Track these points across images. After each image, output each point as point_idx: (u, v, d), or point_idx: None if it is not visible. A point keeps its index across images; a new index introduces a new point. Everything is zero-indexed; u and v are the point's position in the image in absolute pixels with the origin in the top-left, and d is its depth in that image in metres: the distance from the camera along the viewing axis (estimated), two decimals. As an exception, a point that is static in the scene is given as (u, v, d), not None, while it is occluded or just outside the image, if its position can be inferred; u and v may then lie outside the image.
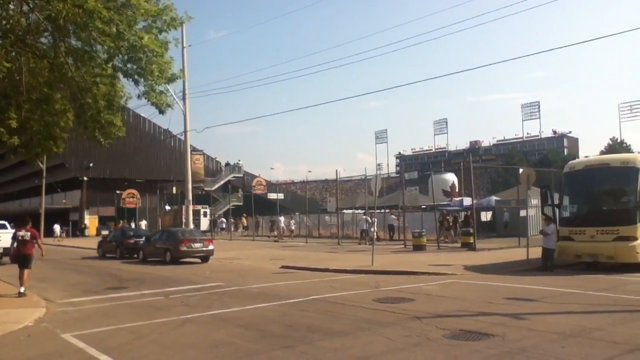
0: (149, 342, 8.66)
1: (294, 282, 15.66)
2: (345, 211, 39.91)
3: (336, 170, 34.92)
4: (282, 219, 42.13)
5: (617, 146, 77.08)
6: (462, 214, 33.16)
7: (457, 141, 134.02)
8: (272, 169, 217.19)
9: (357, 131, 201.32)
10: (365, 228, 32.26)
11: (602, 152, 68.95)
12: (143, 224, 47.59)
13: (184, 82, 26.98)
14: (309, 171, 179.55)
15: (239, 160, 76.35)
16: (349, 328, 9.03)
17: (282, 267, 19.89)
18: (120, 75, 12.51)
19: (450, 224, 31.71)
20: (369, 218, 31.18)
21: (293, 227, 42.15)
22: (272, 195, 46.19)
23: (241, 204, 57.59)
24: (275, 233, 41.51)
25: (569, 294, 12.26)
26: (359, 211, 37.85)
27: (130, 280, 17.41)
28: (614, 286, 13.33)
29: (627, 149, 74.37)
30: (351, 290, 13.48)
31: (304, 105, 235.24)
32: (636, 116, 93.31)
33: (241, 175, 73.09)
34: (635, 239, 15.69)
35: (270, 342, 8.20)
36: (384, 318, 9.85)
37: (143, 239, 26.78)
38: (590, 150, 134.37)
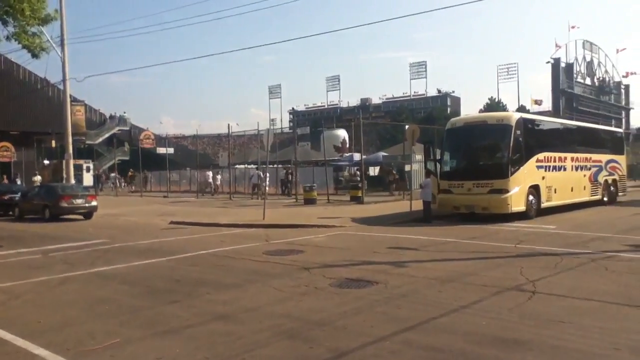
0: (25, 301, 8.19)
1: (183, 238, 15.40)
2: (237, 166, 39.55)
3: (228, 125, 34.37)
4: (210, 173, 39.37)
5: (494, 105, 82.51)
6: (354, 169, 34.06)
7: (349, 98, 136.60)
8: (161, 123, 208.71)
9: (251, 85, 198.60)
10: (257, 182, 32.26)
11: (481, 111, 73.40)
12: (38, 179, 43.04)
13: (61, 24, 24.80)
14: (200, 125, 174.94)
15: (125, 113, 72.77)
16: (239, 281, 9.07)
17: (172, 222, 19.45)
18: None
19: (396, 177, 31.77)
20: (260, 173, 31.17)
21: (218, 182, 38.96)
22: (162, 150, 44.53)
23: (128, 158, 55.16)
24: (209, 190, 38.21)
25: (447, 242, 13.12)
26: (252, 166, 37.68)
27: (4, 238, 16.21)
28: (487, 235, 14.43)
29: (504, 108, 79.88)
30: (242, 244, 13.51)
31: (194, 56, 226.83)
32: (512, 78, 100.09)
33: (127, 129, 69.71)
34: (507, 191, 17.00)
35: (157, 298, 8.05)
36: (273, 270, 10.00)
37: (19, 195, 24.95)
38: (471, 108, 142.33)
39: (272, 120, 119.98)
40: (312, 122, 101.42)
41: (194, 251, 12.53)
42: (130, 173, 49.82)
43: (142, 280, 9.39)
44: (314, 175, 32.10)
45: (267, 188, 27.51)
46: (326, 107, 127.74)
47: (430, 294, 7.85)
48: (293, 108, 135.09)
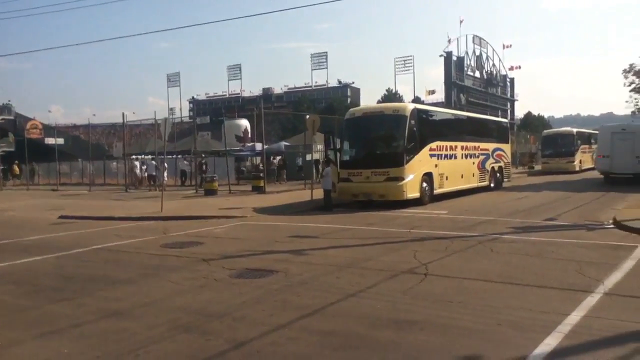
0: None
1: (74, 233, 14.58)
2: (133, 157, 37.97)
3: (123, 114, 32.80)
4: (137, 163, 33.96)
5: (392, 96, 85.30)
6: (255, 159, 33.87)
7: (251, 87, 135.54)
8: (49, 111, 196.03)
9: (148, 73, 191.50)
10: (154, 174, 31.16)
11: (379, 101, 75.64)
12: None
13: None
14: (94, 114, 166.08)
15: (9, 101, 67.64)
16: (134, 275, 8.73)
17: (61, 217, 18.33)
18: None
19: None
20: (158, 163, 30.13)
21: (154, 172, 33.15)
22: (50, 140, 41.70)
23: (13, 149, 51.19)
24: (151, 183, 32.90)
25: (346, 229, 13.41)
26: (149, 157, 36.34)
27: None
28: (384, 221, 14.92)
29: (400, 99, 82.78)
30: (138, 238, 13.02)
31: (84, 41, 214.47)
32: (408, 70, 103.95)
33: (12, 118, 64.90)
34: (403, 179, 17.66)
35: (45, 297, 7.57)
36: (171, 263, 9.74)
37: None
38: (370, 99, 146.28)
39: (171, 109, 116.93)
40: (213, 112, 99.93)
41: (86, 246, 11.90)
42: (15, 165, 46.28)
43: (29, 279, 8.79)
44: (214, 165, 31.55)
45: (165, 179, 26.71)
46: (227, 96, 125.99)
47: (329, 280, 7.99)
48: (193, 97, 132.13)
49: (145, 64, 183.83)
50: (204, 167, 30.35)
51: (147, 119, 38.27)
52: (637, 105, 46.37)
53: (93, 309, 6.88)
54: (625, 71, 45.67)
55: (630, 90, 45.90)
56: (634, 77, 45.35)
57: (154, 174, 31.17)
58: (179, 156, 35.81)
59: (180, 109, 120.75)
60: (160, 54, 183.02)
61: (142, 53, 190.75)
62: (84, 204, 23.32)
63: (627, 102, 46.89)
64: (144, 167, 33.67)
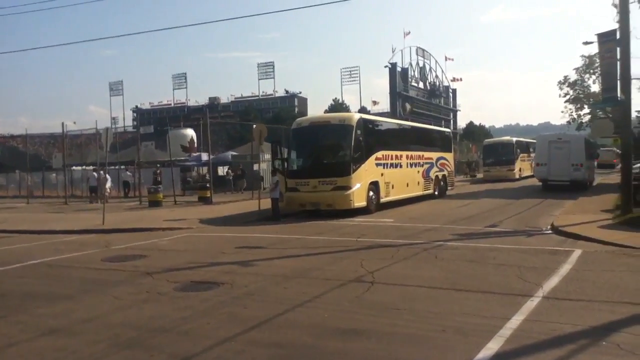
0: None
1: (11, 247, 13.94)
2: (74, 168, 36.78)
3: (62, 123, 31.73)
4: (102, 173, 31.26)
5: (338, 106, 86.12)
6: (203, 169, 33.37)
7: (197, 96, 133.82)
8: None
9: (90, 81, 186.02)
10: (95, 185, 30.18)
11: (327, 111, 76.20)
12: None
13: None
14: (32, 124, 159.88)
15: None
16: (74, 291, 8.41)
17: (-4, 231, 17.50)
18: None
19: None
20: (100, 174, 29.18)
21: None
22: (-16, 151, 39.96)
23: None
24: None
25: (294, 239, 13.38)
26: (90, 167, 35.25)
27: None
28: (331, 230, 14.98)
29: (347, 109, 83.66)
30: (79, 252, 12.56)
31: (18, 49, 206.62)
32: (355, 80, 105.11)
33: (-60, 128, 61.58)
34: (350, 188, 17.81)
35: (-24, 316, 7.18)
36: (113, 277, 9.44)
37: None
38: (317, 109, 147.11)
39: (114, 118, 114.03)
40: (158, 121, 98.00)
41: (24, 261, 11.39)
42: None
43: (-42, 298, 8.33)
44: (160, 176, 30.86)
45: (107, 191, 25.97)
46: (173, 105, 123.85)
47: (276, 291, 7.94)
48: (137, 106, 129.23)
49: (87, 72, 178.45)
50: (158, 177, 29.53)
51: (89, 128, 37.00)
52: (571, 115, 48.62)
53: (30, 326, 6.59)
54: (560, 83, 47.89)
55: (565, 101, 48.15)
56: (568, 89, 47.61)
57: (95, 185, 30.16)
58: (122, 167, 34.91)
59: (124, 119, 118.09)
60: (103, 61, 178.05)
61: (84, 60, 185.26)
62: (21, 217, 22.35)
63: (562, 112, 49.19)
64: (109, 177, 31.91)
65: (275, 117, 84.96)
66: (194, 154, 38.64)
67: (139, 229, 16.42)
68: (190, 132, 49.59)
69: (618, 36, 15.58)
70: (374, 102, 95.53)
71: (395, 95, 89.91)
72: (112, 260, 11.12)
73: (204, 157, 32.27)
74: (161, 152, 41.00)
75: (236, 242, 13.01)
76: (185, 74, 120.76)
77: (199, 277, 9.06)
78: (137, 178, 30.68)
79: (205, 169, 32.52)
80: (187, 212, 20.86)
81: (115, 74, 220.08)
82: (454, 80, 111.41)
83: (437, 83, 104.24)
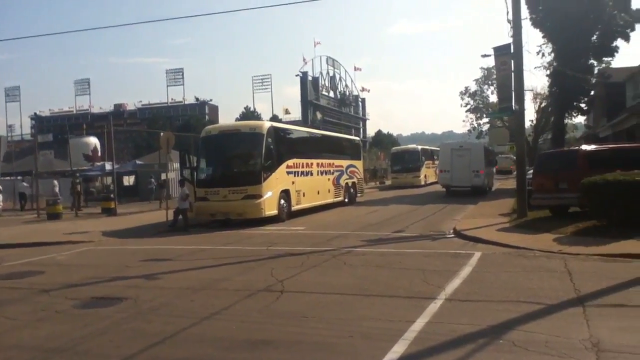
0: None
1: None
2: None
3: (-52, 131, 29.34)
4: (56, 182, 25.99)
5: (250, 114, 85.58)
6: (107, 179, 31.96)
7: (101, 103, 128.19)
8: None
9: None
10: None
11: (238, 119, 75.50)
12: None
13: None
14: None
15: None
16: (-42, 313, 7.74)
17: None
18: None
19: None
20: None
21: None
22: None
23: None
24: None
25: (202, 250, 13.09)
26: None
27: None
28: (241, 239, 14.81)
29: (258, 117, 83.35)
30: (-35, 270, 11.59)
31: None
32: (267, 88, 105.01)
33: None
34: (261, 196, 17.71)
35: None
36: (6, 296, 8.77)
37: None
38: (228, 117, 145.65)
39: (10, 126, 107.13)
40: (59, 129, 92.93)
41: None
42: None
43: None
44: (60, 187, 29.13)
45: (0, 204, 24.25)
46: (75, 112, 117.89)
47: (182, 304, 7.72)
48: (35, 113, 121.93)
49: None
50: (78, 187, 27.30)
51: (-21, 137, 34.46)
52: (472, 124, 51.23)
53: None
54: (461, 93, 50.34)
55: (466, 111, 50.66)
56: (469, 99, 50.17)
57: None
58: (19, 177, 32.71)
59: (21, 126, 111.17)
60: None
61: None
62: None
63: (464, 121, 51.69)
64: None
65: (185, 125, 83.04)
66: (98, 163, 36.96)
67: (36, 243, 15.41)
68: (93, 140, 47.42)
69: (512, 50, 16.62)
70: (286, 111, 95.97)
71: (307, 103, 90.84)
72: (5, 278, 10.34)
73: (108, 166, 30.91)
74: (61, 162, 38.81)
75: (141, 255, 12.53)
76: (89, 79, 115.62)
77: (101, 292, 8.62)
78: (35, 189, 28.81)
79: (109, 179, 31.15)
80: (89, 225, 19.85)
81: (11, 79, 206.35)
82: (363, 90, 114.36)
83: (347, 92, 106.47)
